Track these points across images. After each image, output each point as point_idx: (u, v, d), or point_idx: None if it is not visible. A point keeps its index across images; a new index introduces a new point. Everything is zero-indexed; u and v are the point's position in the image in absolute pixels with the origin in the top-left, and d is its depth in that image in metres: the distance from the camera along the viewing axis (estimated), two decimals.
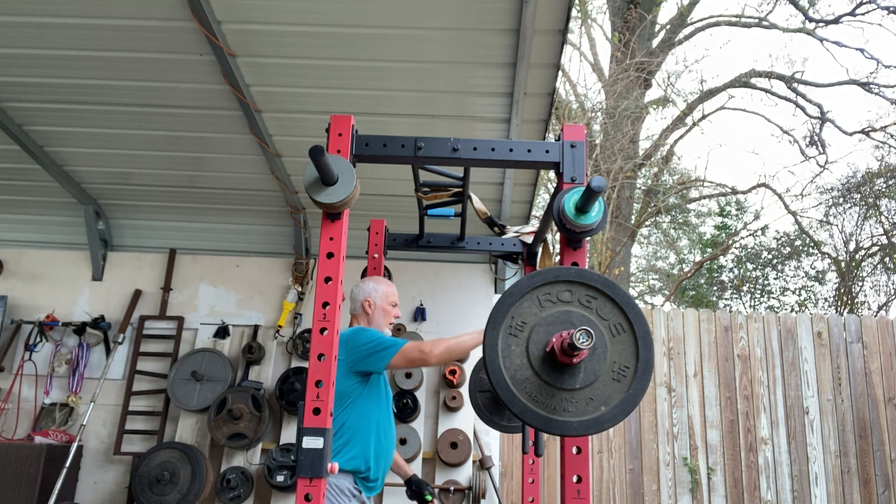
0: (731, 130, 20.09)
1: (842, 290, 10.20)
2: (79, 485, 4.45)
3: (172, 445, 4.25)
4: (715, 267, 11.75)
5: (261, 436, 4.29)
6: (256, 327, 4.70)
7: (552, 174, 3.34)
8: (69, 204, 4.70)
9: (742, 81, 11.13)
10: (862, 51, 10.59)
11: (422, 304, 4.76)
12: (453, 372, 4.45)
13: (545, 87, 3.32)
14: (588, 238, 1.98)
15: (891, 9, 10.66)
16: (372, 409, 2.65)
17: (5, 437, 4.47)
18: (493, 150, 2.08)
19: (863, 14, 10.86)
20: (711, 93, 11.14)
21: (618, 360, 1.67)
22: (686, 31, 11.46)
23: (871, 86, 10.72)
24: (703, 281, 11.98)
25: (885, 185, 10.43)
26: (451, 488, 4.24)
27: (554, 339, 1.64)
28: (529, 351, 1.66)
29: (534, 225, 3.51)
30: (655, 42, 11.17)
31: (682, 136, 11.63)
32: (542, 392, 1.64)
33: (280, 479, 4.20)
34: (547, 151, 2.07)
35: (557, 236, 2.13)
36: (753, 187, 11.03)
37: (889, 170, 10.42)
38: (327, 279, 1.94)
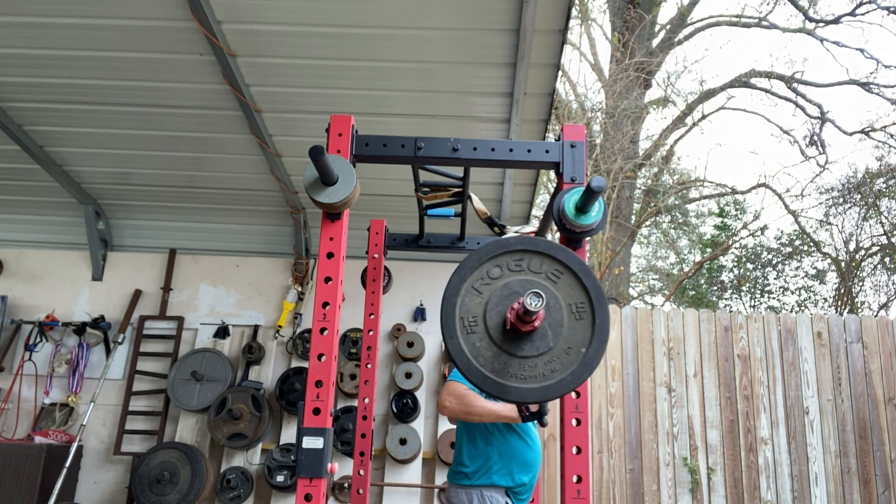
0: (730, 130, 20.09)
1: (842, 290, 10.19)
2: (79, 485, 4.45)
3: (172, 445, 4.25)
4: (715, 267, 11.75)
5: (261, 436, 4.29)
6: (256, 327, 4.70)
7: (552, 174, 3.34)
8: (69, 204, 4.70)
9: (742, 81, 11.13)
10: (862, 51, 10.60)
11: (422, 304, 4.76)
12: None
13: (545, 87, 3.33)
14: (588, 238, 1.98)
15: (891, 9, 10.66)
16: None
17: (5, 437, 4.47)
18: (493, 150, 2.08)
19: (863, 14, 10.86)
20: (711, 93, 11.14)
21: (571, 300, 1.68)
22: (686, 31, 11.46)
23: (871, 86, 10.73)
24: (703, 281, 11.97)
25: (885, 185, 10.43)
26: None
27: (509, 316, 1.65)
28: (493, 338, 1.66)
29: (534, 225, 3.51)
30: (655, 42, 11.16)
31: (682, 136, 11.64)
32: (525, 367, 1.65)
33: (280, 479, 4.20)
34: (547, 151, 2.07)
35: (557, 236, 2.13)
36: (753, 187, 11.03)
37: (889, 170, 10.42)
38: (327, 279, 1.94)
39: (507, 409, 2.56)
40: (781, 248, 11.40)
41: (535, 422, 2.59)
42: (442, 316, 1.69)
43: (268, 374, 4.58)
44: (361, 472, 3.00)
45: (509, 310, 1.65)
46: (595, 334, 1.64)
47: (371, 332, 3.18)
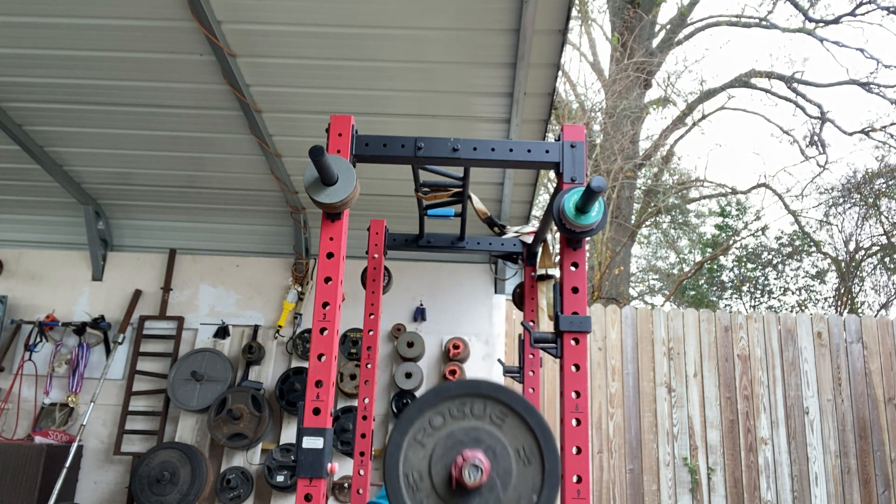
0: (731, 130, 20.08)
1: (842, 290, 10.20)
2: (79, 485, 4.45)
3: (172, 445, 4.25)
4: (715, 267, 11.75)
5: (261, 436, 4.29)
6: (256, 327, 4.70)
7: (552, 174, 3.34)
8: (69, 204, 4.70)
9: (742, 81, 11.13)
10: (862, 51, 10.62)
11: (422, 304, 4.76)
12: (453, 372, 4.45)
13: (545, 87, 3.32)
14: (588, 238, 1.98)
15: (891, 9, 10.66)
16: None
17: (5, 437, 4.47)
18: (493, 150, 2.08)
19: (863, 14, 10.87)
20: (711, 93, 11.15)
21: (518, 444, 1.60)
22: (686, 31, 11.46)
23: (871, 86, 10.73)
24: (703, 281, 11.97)
25: (885, 185, 10.43)
26: None
27: (453, 473, 1.58)
28: (440, 495, 1.59)
29: (534, 225, 3.51)
30: (655, 42, 11.17)
31: (682, 136, 11.64)
32: None
33: (280, 479, 4.20)
34: (547, 151, 2.07)
35: (557, 236, 2.13)
36: (753, 187, 11.03)
37: (889, 170, 10.42)
38: (327, 279, 1.94)
39: None
40: (781, 248, 11.41)
41: None
42: (385, 474, 1.61)
43: (268, 374, 4.58)
44: (361, 472, 3.00)
45: (453, 465, 1.57)
46: (545, 479, 1.55)
47: (371, 332, 3.18)
